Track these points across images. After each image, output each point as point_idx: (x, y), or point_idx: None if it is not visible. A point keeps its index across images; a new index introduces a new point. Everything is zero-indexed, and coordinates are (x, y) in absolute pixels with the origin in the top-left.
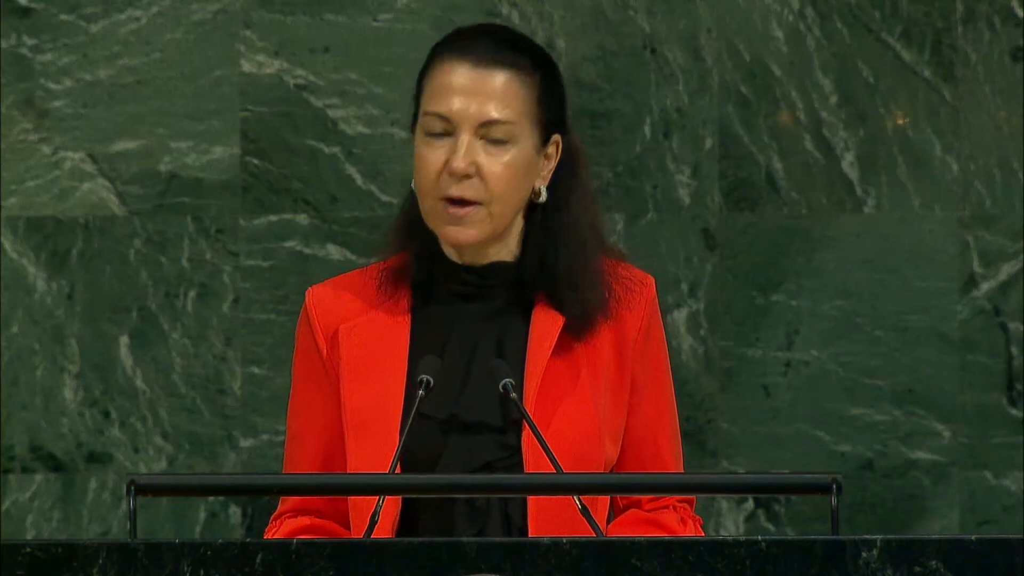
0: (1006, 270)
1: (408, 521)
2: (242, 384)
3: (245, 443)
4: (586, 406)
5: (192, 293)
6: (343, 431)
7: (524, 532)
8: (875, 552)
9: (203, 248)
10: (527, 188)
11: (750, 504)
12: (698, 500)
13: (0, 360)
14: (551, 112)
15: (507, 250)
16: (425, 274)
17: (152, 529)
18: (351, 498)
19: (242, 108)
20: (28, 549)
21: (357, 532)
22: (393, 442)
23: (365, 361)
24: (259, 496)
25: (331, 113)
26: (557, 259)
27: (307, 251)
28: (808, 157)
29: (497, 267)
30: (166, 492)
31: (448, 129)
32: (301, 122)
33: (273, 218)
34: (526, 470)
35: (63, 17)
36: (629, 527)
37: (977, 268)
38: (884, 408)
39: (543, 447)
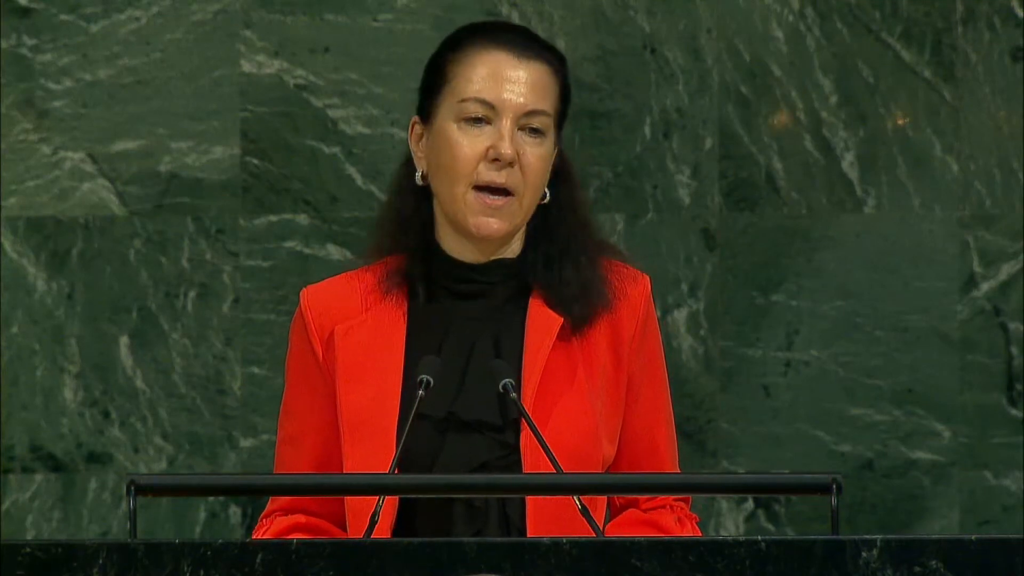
0: (1006, 270)
1: (406, 521)
2: (242, 384)
3: (245, 443)
4: (584, 405)
5: (192, 293)
6: (339, 432)
7: (523, 532)
8: (875, 552)
9: (203, 248)
10: (546, 183)
11: (750, 504)
12: (698, 500)
13: (0, 360)
14: (565, 110)
15: (510, 248)
16: (423, 272)
17: (152, 529)
18: (349, 499)
19: (242, 108)
20: (28, 549)
21: (355, 533)
22: (390, 442)
23: (361, 361)
24: (259, 496)
25: (331, 113)
26: (560, 258)
27: (307, 251)
28: (808, 157)
29: (499, 264)
30: (166, 492)
31: (489, 116)
32: (301, 122)
33: (273, 218)
34: (524, 469)
35: (63, 17)
36: (627, 528)
37: (977, 268)
38: (884, 408)
39: (543, 447)
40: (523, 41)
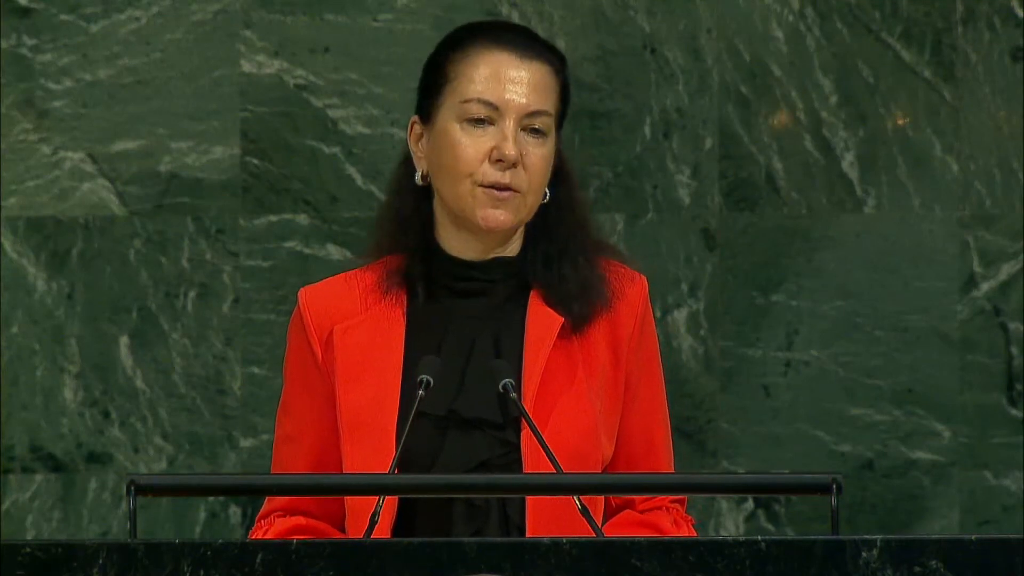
0: (1006, 270)
1: (406, 520)
2: (242, 384)
3: (245, 443)
4: (583, 404)
5: (192, 293)
6: (338, 432)
7: (523, 531)
8: (875, 552)
9: (203, 248)
10: (547, 183)
11: (750, 504)
12: (698, 500)
13: (0, 360)
14: (565, 111)
15: (510, 246)
16: (422, 272)
17: (152, 529)
18: (349, 499)
19: (242, 108)
20: (28, 549)
21: (355, 532)
22: (390, 442)
23: (360, 361)
24: (259, 496)
25: (331, 113)
26: (559, 257)
27: (307, 251)
28: (808, 157)
29: (499, 262)
30: (166, 492)
31: (492, 117)
32: (301, 122)
33: (273, 218)
34: (524, 467)
35: (63, 17)
36: (623, 529)
37: (977, 268)
38: (884, 408)
39: (543, 447)
40: (525, 41)
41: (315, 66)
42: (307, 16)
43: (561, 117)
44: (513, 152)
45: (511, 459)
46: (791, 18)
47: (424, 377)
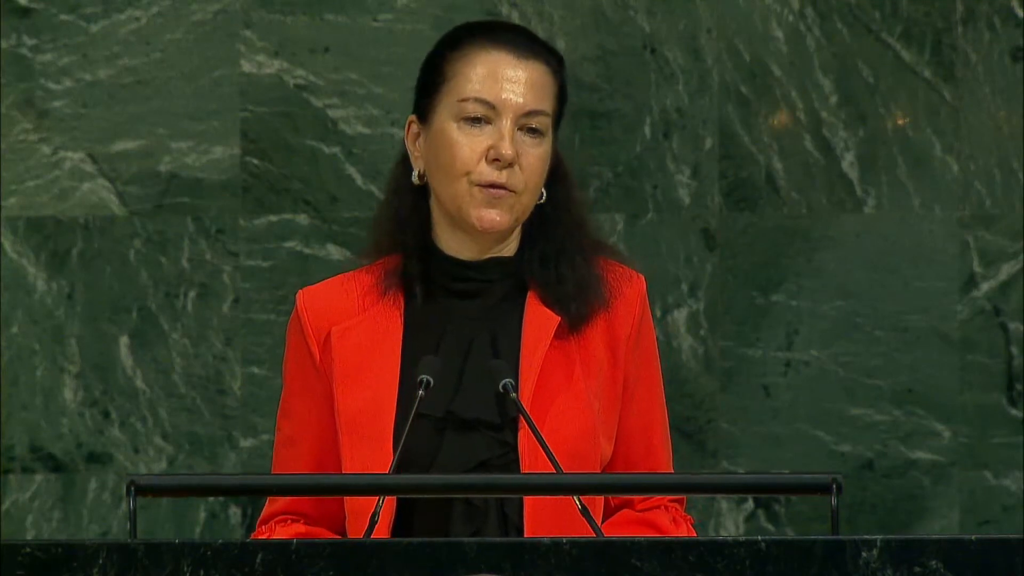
0: (1006, 270)
1: (405, 519)
2: (242, 384)
3: (245, 443)
4: (581, 403)
5: (192, 293)
6: (336, 434)
7: (521, 530)
8: (875, 552)
9: (203, 248)
10: (543, 183)
11: (750, 504)
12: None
13: (0, 360)
14: (562, 110)
15: (507, 246)
16: (420, 272)
17: (152, 529)
18: (348, 499)
19: (242, 108)
20: (28, 549)
21: (355, 533)
22: (388, 443)
23: (358, 362)
24: (259, 496)
25: (331, 113)
26: (557, 256)
27: (307, 251)
28: (808, 157)
29: (496, 262)
30: (166, 492)
31: (489, 116)
32: (301, 122)
33: (273, 218)
34: (523, 468)
35: (63, 17)
36: (622, 527)
37: (977, 268)
38: (884, 408)
39: (542, 447)
40: (522, 41)
41: (315, 66)
42: (307, 16)
43: (558, 117)
44: (510, 152)
45: (509, 459)
46: (791, 18)
47: (424, 377)
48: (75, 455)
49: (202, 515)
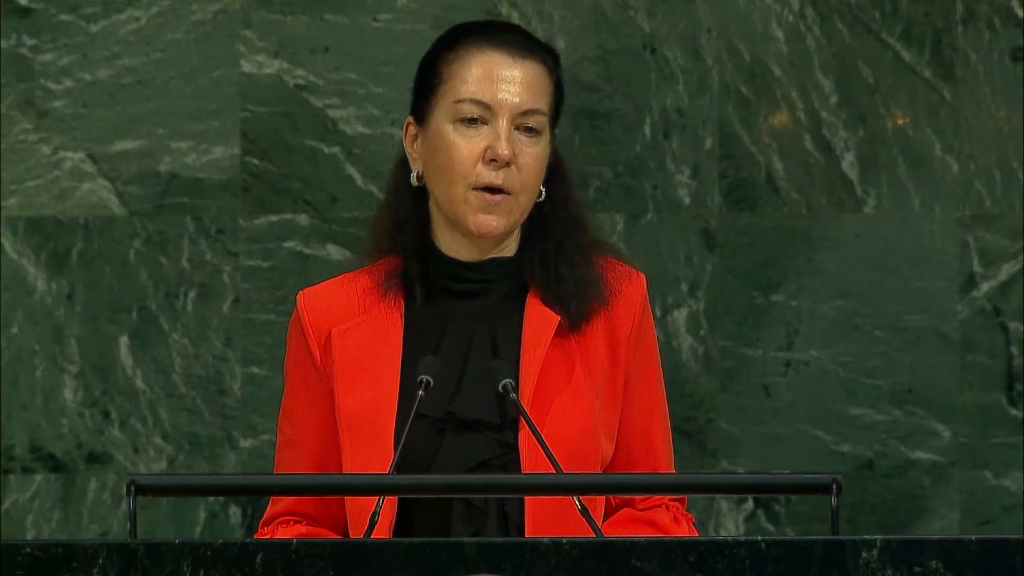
0: (1006, 270)
1: (405, 519)
2: (242, 384)
3: (245, 443)
4: (582, 402)
5: (192, 293)
6: (337, 435)
7: (522, 530)
8: (875, 552)
9: (203, 248)
10: (542, 182)
11: (750, 504)
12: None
13: (0, 360)
14: (559, 109)
15: (507, 246)
16: (420, 273)
17: (152, 529)
18: (349, 500)
19: (242, 108)
20: (28, 549)
21: (356, 532)
22: (388, 443)
23: (359, 363)
24: (259, 496)
25: (331, 113)
26: (556, 255)
27: (307, 251)
28: (808, 157)
29: (496, 262)
30: (166, 492)
31: (485, 117)
32: (301, 122)
33: (273, 218)
34: (523, 468)
35: (63, 17)
36: (623, 526)
37: (977, 268)
38: (884, 408)
39: (542, 447)
40: (517, 40)
41: (315, 66)
42: (307, 16)
43: (555, 116)
44: (507, 151)
45: (509, 460)
46: (791, 18)
47: (424, 377)
48: (75, 455)
49: (202, 515)
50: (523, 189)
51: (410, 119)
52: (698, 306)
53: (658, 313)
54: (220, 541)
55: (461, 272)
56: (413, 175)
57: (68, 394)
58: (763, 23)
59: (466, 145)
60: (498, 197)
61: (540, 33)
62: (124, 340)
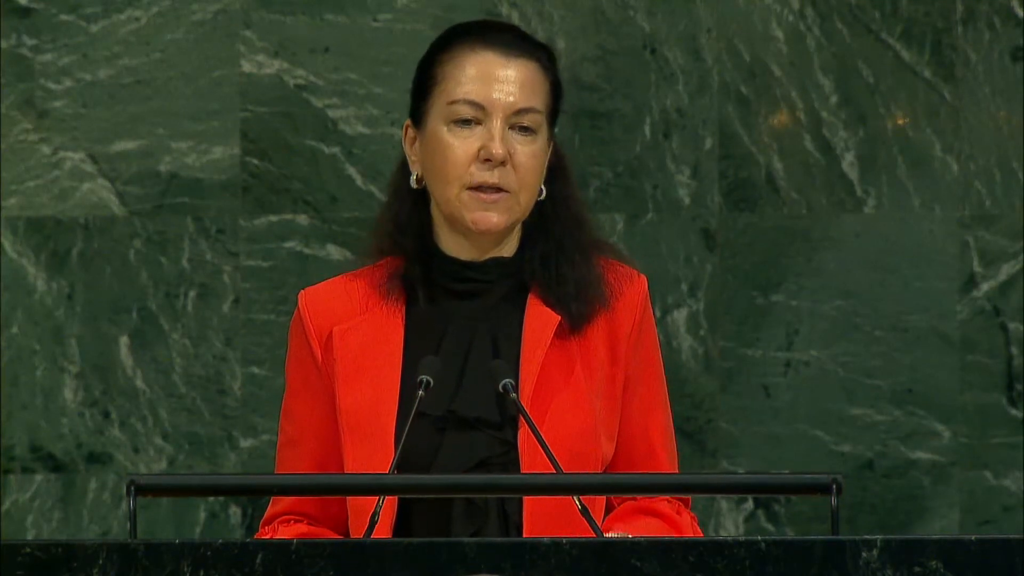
0: (1006, 270)
1: (405, 519)
2: (242, 384)
3: (245, 443)
4: (582, 402)
5: (192, 293)
6: (338, 434)
7: (521, 529)
8: (875, 552)
9: (203, 248)
10: (542, 180)
11: (750, 504)
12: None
13: (0, 360)
14: (557, 107)
15: (508, 246)
16: (421, 273)
17: (152, 529)
18: (349, 499)
19: (242, 108)
20: (28, 549)
21: (356, 532)
22: (389, 442)
23: (360, 363)
24: (259, 496)
25: (331, 113)
26: (556, 255)
27: (307, 251)
28: (808, 157)
29: (496, 262)
30: (166, 492)
31: (479, 117)
32: (301, 122)
33: (273, 218)
34: (523, 466)
35: (63, 17)
36: (624, 517)
37: (977, 268)
38: (884, 408)
39: (542, 447)
40: (511, 40)
41: (315, 66)
42: (307, 16)
43: (553, 114)
44: (500, 151)
45: (508, 459)
46: (791, 18)
47: (424, 377)
48: (75, 455)
49: (202, 515)
50: (522, 187)
51: (408, 122)
52: (698, 306)
53: (658, 313)
54: (220, 541)
55: (461, 272)
56: (413, 177)
57: (68, 394)
58: (763, 23)
59: (460, 146)
60: (495, 195)
61: (540, 33)
62: (124, 340)
